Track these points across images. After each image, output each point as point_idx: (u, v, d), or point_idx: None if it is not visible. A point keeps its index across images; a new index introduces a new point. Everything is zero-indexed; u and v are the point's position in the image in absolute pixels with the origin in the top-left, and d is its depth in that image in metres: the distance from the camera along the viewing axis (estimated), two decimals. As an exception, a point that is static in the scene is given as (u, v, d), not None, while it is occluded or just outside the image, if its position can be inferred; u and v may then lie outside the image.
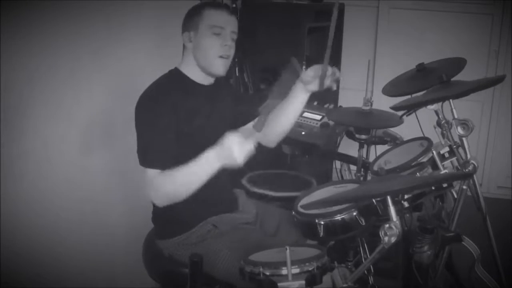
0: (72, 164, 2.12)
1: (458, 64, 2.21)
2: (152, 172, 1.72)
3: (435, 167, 1.95)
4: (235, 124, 2.01)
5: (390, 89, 2.30)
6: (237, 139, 1.61)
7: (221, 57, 1.85)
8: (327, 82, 1.96)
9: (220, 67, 1.86)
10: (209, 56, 1.85)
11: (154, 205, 1.97)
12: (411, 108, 2.14)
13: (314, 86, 1.97)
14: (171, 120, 1.78)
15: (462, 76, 2.12)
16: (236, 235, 1.89)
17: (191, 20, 1.87)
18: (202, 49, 1.85)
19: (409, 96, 2.21)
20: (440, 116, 2.10)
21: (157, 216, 1.98)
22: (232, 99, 2.07)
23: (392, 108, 2.11)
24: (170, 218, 1.90)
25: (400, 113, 2.23)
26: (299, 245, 1.76)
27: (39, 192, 1.95)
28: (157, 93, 1.83)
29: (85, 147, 2.20)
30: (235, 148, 1.60)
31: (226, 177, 2.06)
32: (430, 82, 2.13)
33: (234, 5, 3.48)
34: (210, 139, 1.70)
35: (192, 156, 1.69)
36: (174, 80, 1.89)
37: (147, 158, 1.75)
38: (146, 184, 1.73)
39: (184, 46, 1.91)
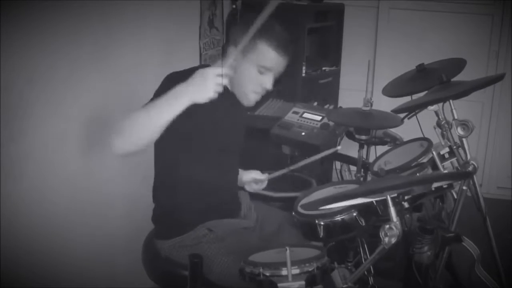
0: (72, 164, 2.12)
1: (458, 64, 2.21)
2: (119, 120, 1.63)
3: (435, 167, 1.96)
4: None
5: (390, 90, 2.31)
6: (211, 70, 1.55)
7: (255, 92, 1.81)
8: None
9: (250, 102, 1.83)
10: (245, 89, 1.81)
11: (154, 205, 1.97)
12: (412, 110, 2.13)
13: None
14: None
15: (462, 77, 2.12)
16: (232, 240, 1.88)
17: (243, 40, 1.66)
18: (240, 79, 1.80)
19: (409, 98, 2.21)
20: (440, 117, 2.10)
21: (157, 216, 1.97)
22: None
23: (393, 111, 2.11)
24: (169, 219, 1.90)
25: (401, 114, 2.23)
26: (299, 246, 1.75)
27: (39, 192, 1.95)
28: (183, 80, 1.69)
29: (85, 147, 2.20)
30: (208, 79, 1.54)
31: (232, 181, 2.05)
32: (430, 82, 2.13)
33: (234, 6, 3.48)
34: (229, 147, 1.68)
35: (207, 163, 1.67)
36: None
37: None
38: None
39: (223, 51, 1.84)
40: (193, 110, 1.69)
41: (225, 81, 1.58)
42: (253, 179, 2.12)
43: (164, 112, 1.56)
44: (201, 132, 1.77)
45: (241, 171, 2.13)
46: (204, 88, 1.54)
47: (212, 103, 1.66)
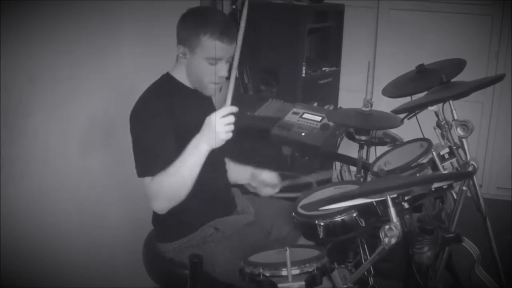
0: (72, 165, 2.12)
1: (458, 65, 2.21)
2: (146, 181, 1.72)
3: (435, 168, 1.96)
4: None
5: (390, 90, 2.31)
6: (216, 116, 1.63)
7: (212, 83, 1.83)
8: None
9: (211, 91, 1.86)
10: (201, 81, 1.84)
11: None
12: (412, 111, 2.13)
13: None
14: (167, 127, 1.76)
15: (462, 77, 2.12)
16: (238, 238, 1.89)
17: (188, 37, 1.79)
18: (195, 73, 1.83)
19: (409, 98, 2.21)
20: (440, 117, 2.10)
21: (157, 219, 1.96)
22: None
23: (393, 111, 2.11)
24: (170, 221, 1.89)
25: (401, 115, 2.23)
26: (299, 246, 1.75)
27: (39, 192, 1.95)
28: (151, 101, 1.81)
29: (85, 147, 2.20)
30: (219, 128, 1.63)
31: (224, 177, 2.06)
32: (430, 83, 2.13)
33: (234, 6, 3.48)
34: None
35: None
36: (168, 86, 1.87)
37: (139, 168, 1.75)
38: (147, 195, 1.73)
39: (177, 54, 1.86)
40: (176, 115, 1.76)
41: (231, 120, 1.65)
42: (266, 180, 2.09)
43: (193, 166, 1.68)
44: (184, 132, 1.78)
45: (251, 170, 2.14)
46: (214, 135, 1.64)
47: (191, 108, 1.69)
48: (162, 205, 1.74)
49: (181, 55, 1.82)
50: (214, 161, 1.91)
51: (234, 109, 1.67)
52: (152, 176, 1.70)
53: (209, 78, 1.82)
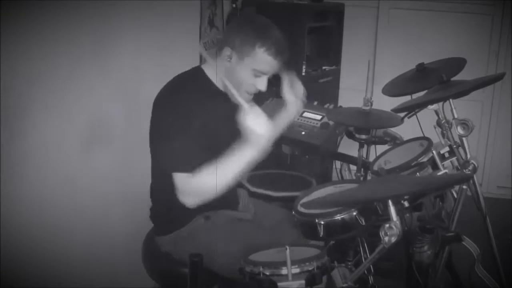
0: (72, 164, 2.12)
1: (458, 64, 2.21)
2: (181, 176, 1.71)
3: (435, 167, 1.95)
4: None
5: (391, 89, 2.31)
6: (253, 118, 1.63)
7: (247, 92, 1.84)
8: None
9: (242, 100, 1.82)
10: (238, 88, 1.81)
11: (152, 203, 1.97)
12: (412, 109, 2.13)
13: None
14: (192, 120, 1.75)
15: (462, 76, 2.12)
16: (230, 228, 1.89)
17: (241, 44, 1.77)
18: (235, 79, 1.81)
19: (409, 97, 2.21)
20: (440, 116, 2.10)
21: (155, 214, 1.98)
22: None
23: (393, 110, 2.11)
24: (167, 215, 1.91)
25: (401, 114, 2.23)
26: (299, 245, 1.76)
27: (39, 192, 1.95)
28: (178, 91, 1.80)
29: (85, 147, 2.20)
30: (259, 128, 1.63)
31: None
32: (430, 82, 2.13)
33: (234, 5, 3.48)
34: (226, 144, 1.69)
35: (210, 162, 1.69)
36: (199, 80, 1.87)
37: (172, 162, 1.73)
38: (178, 189, 1.72)
39: (219, 54, 1.84)
40: (186, 112, 1.71)
41: (265, 117, 1.65)
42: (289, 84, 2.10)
43: (236, 172, 1.70)
44: (193, 130, 1.77)
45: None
46: (260, 136, 1.64)
47: (208, 104, 1.67)
48: (196, 202, 1.73)
49: (226, 58, 1.81)
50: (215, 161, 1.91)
51: (255, 106, 1.68)
52: (191, 173, 1.69)
53: (247, 88, 1.82)
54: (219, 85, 1.89)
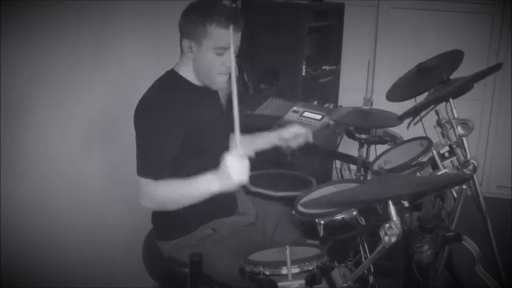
0: (73, 164, 2.12)
1: (456, 57, 2.20)
2: (144, 181, 1.72)
3: (435, 166, 1.96)
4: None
5: (395, 94, 2.30)
6: (235, 161, 1.58)
7: (221, 74, 1.81)
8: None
9: (220, 84, 1.83)
10: (210, 74, 1.81)
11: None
12: (416, 114, 2.12)
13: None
14: (174, 128, 1.75)
15: (462, 75, 2.12)
16: (236, 239, 1.88)
17: (194, 30, 1.76)
18: (203, 66, 1.81)
19: (413, 102, 2.20)
20: (440, 116, 2.10)
21: (156, 218, 1.97)
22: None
23: (399, 118, 2.10)
24: (169, 220, 1.89)
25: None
26: (299, 245, 1.76)
27: (39, 192, 1.95)
28: (155, 98, 1.80)
29: (86, 147, 2.20)
30: (234, 171, 1.58)
31: None
32: (431, 82, 2.13)
33: (234, 5, 3.48)
34: (216, 143, 1.68)
35: (197, 162, 1.68)
36: (173, 83, 1.85)
37: (141, 167, 1.74)
38: (139, 191, 1.73)
39: (182, 49, 1.85)
40: (184, 114, 1.72)
41: (247, 163, 1.61)
42: (294, 134, 2.07)
43: (196, 197, 1.68)
44: (191, 128, 1.78)
45: (275, 133, 2.12)
46: (231, 178, 1.59)
47: (193, 100, 1.67)
48: (152, 207, 1.79)
49: (187, 49, 1.80)
50: (210, 161, 1.91)
51: (249, 152, 1.65)
52: (154, 180, 1.70)
53: (217, 69, 1.80)
54: (195, 82, 1.87)
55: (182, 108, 1.78)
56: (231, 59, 1.74)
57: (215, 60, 1.78)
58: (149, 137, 1.75)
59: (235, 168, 1.58)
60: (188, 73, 1.86)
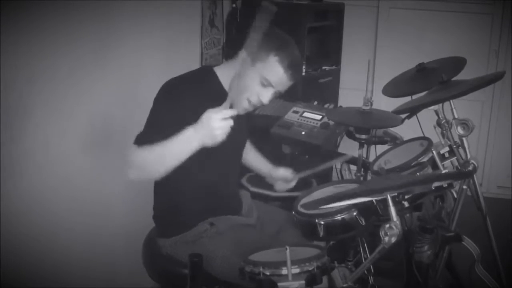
0: (72, 164, 2.12)
1: (457, 63, 2.20)
2: (130, 150, 1.70)
3: (435, 167, 1.95)
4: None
5: (391, 90, 2.30)
6: (216, 115, 1.58)
7: (249, 102, 1.81)
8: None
9: (241, 109, 1.81)
10: (241, 94, 1.79)
11: (155, 204, 1.97)
12: (412, 111, 2.13)
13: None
14: (185, 118, 1.70)
15: (462, 76, 2.12)
16: (234, 235, 1.88)
17: (258, 48, 1.69)
18: (242, 84, 1.78)
19: (409, 98, 2.21)
20: (440, 116, 2.10)
21: (158, 215, 1.98)
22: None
23: (394, 112, 2.10)
24: (171, 217, 1.91)
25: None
26: (299, 245, 1.76)
27: (39, 192, 1.95)
28: (182, 87, 1.79)
29: (85, 146, 2.20)
30: (214, 125, 1.57)
31: (234, 180, 2.05)
32: (430, 82, 2.13)
33: (234, 5, 3.48)
34: (222, 144, 1.68)
35: (195, 155, 1.68)
36: (205, 79, 1.85)
37: (136, 137, 1.73)
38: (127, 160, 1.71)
39: (234, 56, 1.83)
40: (193, 109, 1.71)
41: (230, 123, 1.60)
42: (282, 177, 2.15)
43: (176, 154, 1.65)
44: (181, 123, 1.76)
45: (270, 167, 2.19)
46: (211, 133, 1.59)
47: (207, 102, 1.67)
48: (135, 176, 1.71)
49: (240, 60, 1.77)
50: (225, 165, 1.92)
51: (234, 112, 1.63)
52: (138, 146, 1.68)
53: (250, 96, 1.80)
54: (226, 87, 1.86)
55: (199, 103, 1.74)
56: (266, 96, 1.79)
57: (255, 87, 1.78)
58: (155, 114, 1.76)
59: (216, 124, 1.57)
60: (224, 77, 1.85)
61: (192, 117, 1.73)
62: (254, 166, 2.23)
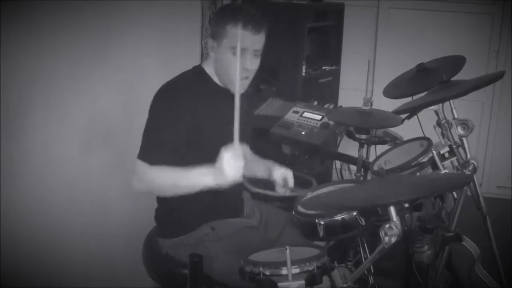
0: (72, 164, 2.12)
1: (457, 62, 2.20)
2: (140, 163, 1.73)
3: (435, 167, 1.96)
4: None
5: (391, 91, 2.30)
6: (231, 158, 1.59)
7: (240, 77, 1.79)
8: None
9: (240, 89, 1.77)
10: (227, 75, 1.82)
11: (158, 204, 1.97)
12: (413, 111, 2.13)
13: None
14: (184, 120, 1.76)
15: (462, 76, 2.12)
16: (235, 239, 1.88)
17: (216, 30, 1.81)
18: (222, 66, 1.83)
19: (409, 98, 2.21)
20: (440, 116, 2.10)
21: (160, 215, 1.98)
22: (248, 104, 2.02)
23: (394, 112, 2.10)
24: (172, 218, 1.91)
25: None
26: (299, 245, 1.76)
27: (39, 192, 1.95)
28: (177, 90, 1.81)
29: (85, 147, 2.20)
30: (228, 168, 1.59)
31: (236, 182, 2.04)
32: (430, 82, 2.13)
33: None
34: (222, 144, 1.68)
35: (198, 157, 1.68)
36: (198, 79, 1.88)
37: (142, 150, 1.76)
38: (134, 173, 1.74)
39: (208, 49, 1.88)
40: (198, 110, 1.72)
41: (241, 163, 1.62)
42: (283, 180, 2.06)
43: (189, 187, 1.70)
44: (197, 130, 1.78)
45: (271, 165, 2.11)
46: (224, 175, 1.60)
47: (207, 103, 1.67)
48: (142, 190, 1.77)
49: (211, 49, 1.84)
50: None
51: (245, 149, 1.66)
52: (150, 164, 1.71)
53: (233, 71, 1.76)
54: (219, 82, 1.89)
55: (195, 102, 1.79)
56: (249, 61, 1.78)
57: (233, 61, 1.78)
58: (155, 123, 1.78)
59: (229, 165, 1.59)
60: (213, 73, 1.89)
61: (192, 120, 1.75)
62: (253, 170, 2.14)
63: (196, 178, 1.67)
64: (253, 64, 1.83)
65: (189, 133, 1.77)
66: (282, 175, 2.05)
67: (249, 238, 1.92)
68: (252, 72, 1.84)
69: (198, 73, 1.90)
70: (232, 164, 1.60)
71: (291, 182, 2.05)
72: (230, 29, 1.76)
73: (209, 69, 1.90)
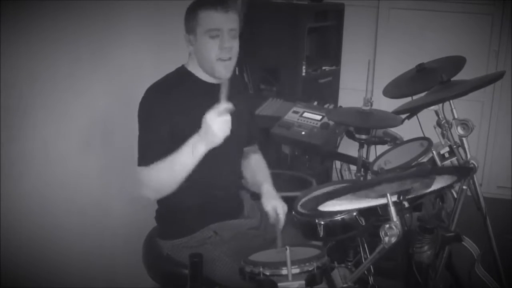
0: (72, 164, 2.12)
1: (457, 63, 2.20)
2: (139, 169, 1.75)
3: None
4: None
5: (391, 91, 2.30)
6: (211, 114, 1.61)
7: (220, 59, 1.80)
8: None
9: (222, 71, 1.81)
10: (209, 61, 1.81)
11: (158, 205, 1.97)
12: (413, 111, 2.13)
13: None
14: (171, 120, 1.77)
15: (462, 76, 2.12)
16: (237, 242, 1.88)
17: (188, 23, 1.83)
18: (202, 54, 1.82)
19: (409, 98, 2.21)
20: (440, 116, 2.10)
21: (160, 216, 1.97)
22: (246, 96, 2.04)
23: (394, 112, 2.11)
24: (173, 219, 1.91)
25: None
26: (299, 245, 1.76)
27: (39, 192, 1.95)
28: (161, 92, 1.82)
29: (85, 147, 2.20)
30: (215, 127, 1.61)
31: (233, 182, 2.04)
32: (430, 82, 2.13)
33: (234, 5, 3.48)
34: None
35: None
36: (182, 79, 1.88)
37: (138, 157, 1.77)
38: (137, 182, 1.75)
39: (187, 47, 1.88)
40: (185, 108, 1.75)
41: (227, 118, 1.63)
42: (274, 212, 1.91)
43: (187, 164, 1.69)
44: (185, 127, 1.77)
45: (265, 192, 1.98)
46: (213, 134, 1.62)
47: (203, 102, 1.68)
48: (149, 195, 1.78)
49: (188, 44, 1.85)
50: (224, 167, 1.91)
51: (229, 106, 1.64)
52: (146, 166, 1.73)
53: (214, 55, 1.80)
54: (203, 78, 1.89)
55: (180, 100, 1.80)
56: (226, 41, 1.78)
57: (210, 45, 1.78)
58: (144, 128, 1.79)
59: (216, 124, 1.61)
60: (196, 69, 1.89)
61: (184, 117, 1.76)
62: (252, 181, 2.08)
63: (189, 151, 1.67)
64: (232, 42, 1.81)
65: (177, 131, 1.77)
66: (272, 208, 1.91)
67: (250, 239, 1.92)
68: (233, 52, 1.82)
69: (181, 72, 1.91)
70: (218, 120, 1.61)
71: (282, 220, 1.87)
72: (201, 15, 1.78)
73: (191, 66, 1.90)
